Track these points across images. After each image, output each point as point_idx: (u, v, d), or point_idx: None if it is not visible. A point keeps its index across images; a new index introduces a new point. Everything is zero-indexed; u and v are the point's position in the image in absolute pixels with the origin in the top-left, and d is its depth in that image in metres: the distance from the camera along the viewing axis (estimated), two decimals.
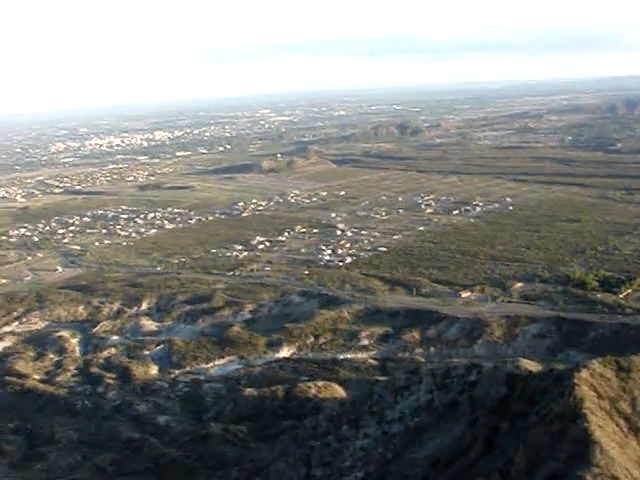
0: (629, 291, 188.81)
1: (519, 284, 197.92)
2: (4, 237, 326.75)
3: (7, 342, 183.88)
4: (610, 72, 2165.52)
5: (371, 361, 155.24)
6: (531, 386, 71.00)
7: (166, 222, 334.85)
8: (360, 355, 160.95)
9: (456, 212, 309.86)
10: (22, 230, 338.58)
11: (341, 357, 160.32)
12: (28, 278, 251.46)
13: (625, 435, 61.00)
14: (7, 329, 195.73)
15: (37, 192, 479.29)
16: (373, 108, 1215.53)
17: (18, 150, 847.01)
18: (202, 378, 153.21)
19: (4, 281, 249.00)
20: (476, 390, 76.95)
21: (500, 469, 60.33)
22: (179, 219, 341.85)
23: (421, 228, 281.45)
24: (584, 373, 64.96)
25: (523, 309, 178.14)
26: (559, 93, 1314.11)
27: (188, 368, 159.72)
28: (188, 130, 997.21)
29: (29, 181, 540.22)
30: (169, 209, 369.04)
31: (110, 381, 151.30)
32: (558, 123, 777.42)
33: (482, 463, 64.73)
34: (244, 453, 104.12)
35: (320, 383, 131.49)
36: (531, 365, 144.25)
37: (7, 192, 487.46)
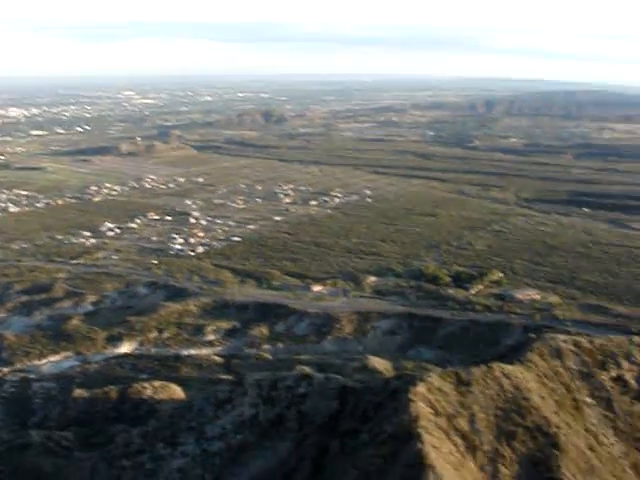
0: (480, 287, 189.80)
1: (372, 278, 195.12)
2: None
3: None
4: (472, 73, 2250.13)
5: (215, 358, 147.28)
6: (364, 401, 65.37)
7: (10, 205, 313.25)
8: (204, 351, 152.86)
9: (314, 203, 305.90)
10: None
11: (185, 353, 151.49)
12: None
13: (462, 455, 56.35)
14: None
15: None
16: (240, 95, 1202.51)
17: None
18: (32, 376, 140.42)
19: None
20: (305, 404, 70.83)
21: None
22: (25, 202, 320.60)
23: (277, 218, 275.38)
24: (421, 387, 59.76)
25: (375, 304, 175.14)
26: (424, 89, 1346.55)
27: (19, 365, 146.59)
28: (46, 108, 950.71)
29: None
30: (15, 191, 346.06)
31: None
32: (421, 118, 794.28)
33: None
34: (63, 466, 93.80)
35: (157, 383, 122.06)
36: (380, 363, 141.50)
37: None
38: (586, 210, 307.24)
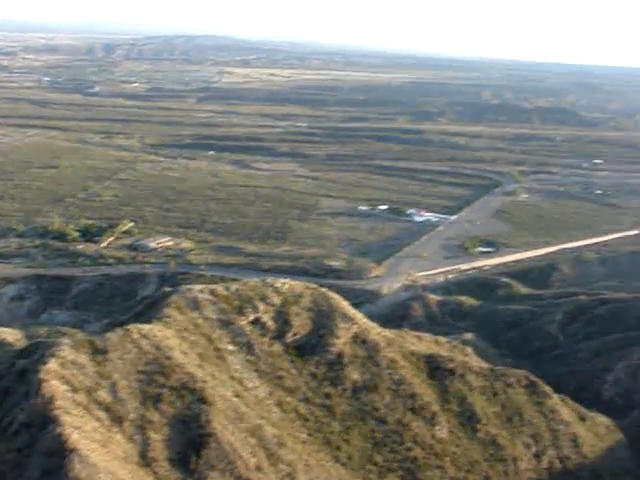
0: (110, 239, 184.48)
1: None
2: None
3: None
4: (92, 17, 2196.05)
5: None
6: None
7: None
8: None
9: None
10: None
11: None
12: None
13: (108, 429, 52.17)
14: None
15: None
16: None
17: None
18: None
19: None
20: None
21: None
22: None
23: None
24: (53, 364, 53.84)
25: None
26: (35, 31, 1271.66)
27: None
28: None
29: None
30: None
31: None
32: (35, 62, 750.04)
33: None
34: None
35: None
36: (10, 333, 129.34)
37: None
38: (211, 153, 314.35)
